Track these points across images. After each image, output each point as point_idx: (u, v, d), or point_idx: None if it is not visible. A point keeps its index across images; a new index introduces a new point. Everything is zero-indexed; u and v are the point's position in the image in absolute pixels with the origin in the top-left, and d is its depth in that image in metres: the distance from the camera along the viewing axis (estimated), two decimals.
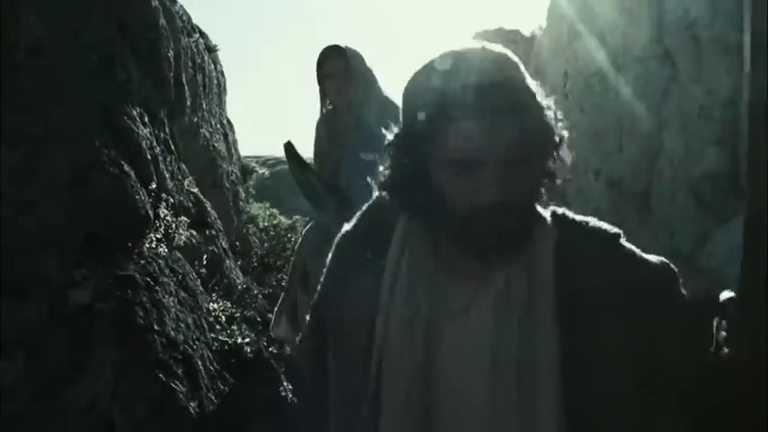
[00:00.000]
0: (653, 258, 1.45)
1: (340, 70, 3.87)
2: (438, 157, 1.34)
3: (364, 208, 1.60)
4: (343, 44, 3.94)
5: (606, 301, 1.34)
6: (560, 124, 1.42)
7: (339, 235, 1.62)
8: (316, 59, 4.04)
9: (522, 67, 1.37)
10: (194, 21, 7.91)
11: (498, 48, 1.38)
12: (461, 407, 1.36)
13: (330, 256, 1.62)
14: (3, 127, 4.34)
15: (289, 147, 3.86)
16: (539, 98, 1.37)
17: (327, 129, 4.08)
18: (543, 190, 1.42)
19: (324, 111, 4.11)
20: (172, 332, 3.92)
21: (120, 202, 4.25)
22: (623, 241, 1.45)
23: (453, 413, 1.36)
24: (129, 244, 4.16)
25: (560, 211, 1.48)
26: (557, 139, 1.41)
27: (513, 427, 1.32)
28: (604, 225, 1.47)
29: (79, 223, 4.04)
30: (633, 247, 1.45)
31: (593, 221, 1.48)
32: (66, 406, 3.59)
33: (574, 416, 1.32)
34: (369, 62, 4.03)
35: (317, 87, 4.05)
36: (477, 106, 1.29)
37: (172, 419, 3.58)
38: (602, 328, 1.34)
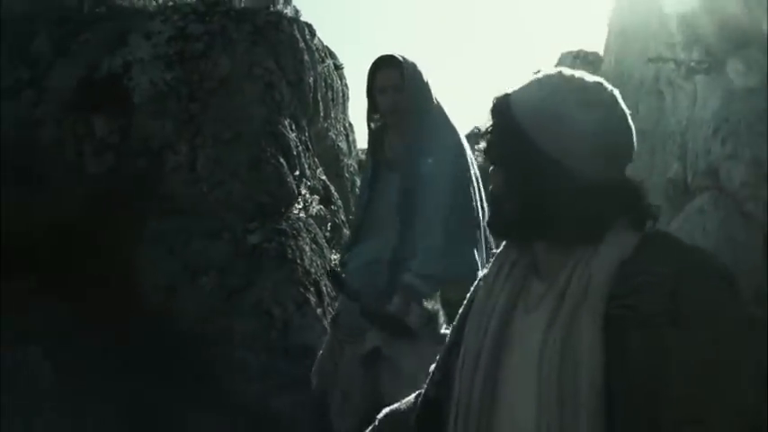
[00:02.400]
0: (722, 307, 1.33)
1: (394, 84, 3.53)
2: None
3: None
4: (398, 54, 3.51)
5: (653, 337, 1.28)
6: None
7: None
8: (367, 70, 3.63)
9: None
10: (325, 42, 10.15)
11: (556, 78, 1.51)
12: (516, 397, 1.41)
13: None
14: (204, 132, 6.69)
15: (333, 276, 3.90)
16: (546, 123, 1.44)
17: (374, 148, 3.88)
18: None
19: (372, 127, 3.83)
20: (308, 266, 6.14)
21: (277, 183, 6.50)
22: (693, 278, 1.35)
23: (510, 401, 1.42)
24: (283, 210, 6.42)
25: (656, 233, 1.48)
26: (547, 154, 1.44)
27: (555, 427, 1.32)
28: (691, 257, 1.40)
29: (253, 195, 6.33)
30: (705, 284, 1.34)
31: (684, 251, 1.42)
32: (243, 304, 5.87)
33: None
34: (426, 75, 3.68)
35: (366, 101, 3.66)
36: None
37: (306, 316, 5.80)
38: (645, 365, 1.27)
